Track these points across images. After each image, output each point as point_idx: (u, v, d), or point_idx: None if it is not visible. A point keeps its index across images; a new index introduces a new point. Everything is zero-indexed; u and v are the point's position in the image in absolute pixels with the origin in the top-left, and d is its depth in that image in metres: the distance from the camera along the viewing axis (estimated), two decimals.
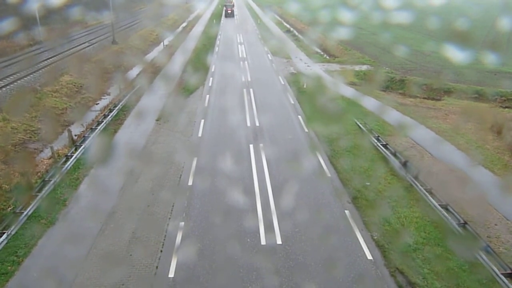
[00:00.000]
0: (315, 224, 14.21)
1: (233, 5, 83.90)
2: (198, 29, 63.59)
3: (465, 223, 13.38)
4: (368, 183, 16.93)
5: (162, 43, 49.30)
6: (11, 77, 30.50)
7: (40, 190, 15.33)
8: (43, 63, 35.59)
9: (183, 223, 14.12)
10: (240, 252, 12.62)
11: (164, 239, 13.29)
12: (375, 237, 13.56)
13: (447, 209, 14.30)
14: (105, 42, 47.77)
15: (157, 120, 24.05)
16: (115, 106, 25.15)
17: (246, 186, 16.49)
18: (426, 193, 15.39)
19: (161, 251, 12.78)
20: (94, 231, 13.70)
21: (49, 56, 37.71)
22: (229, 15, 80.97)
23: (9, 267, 11.99)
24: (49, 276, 11.84)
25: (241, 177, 17.28)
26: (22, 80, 30.38)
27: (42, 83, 29.31)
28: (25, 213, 13.92)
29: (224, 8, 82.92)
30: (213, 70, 37.22)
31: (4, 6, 40.62)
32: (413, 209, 15.21)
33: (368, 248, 12.96)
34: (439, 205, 14.56)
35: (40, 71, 33.04)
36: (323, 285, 11.44)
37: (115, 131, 22.57)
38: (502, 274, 11.22)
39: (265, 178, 17.19)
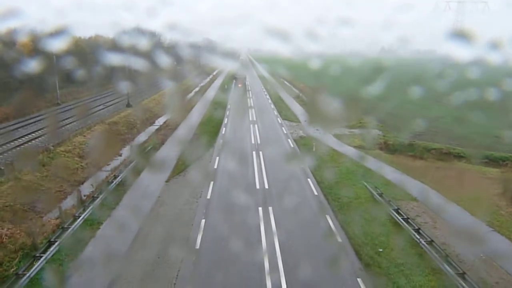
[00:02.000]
0: None
1: (245, 79, 77.82)
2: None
3: None
4: (381, 250, 16.41)
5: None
6: (26, 137, 31.31)
7: (44, 251, 15.05)
8: (58, 124, 36.63)
9: None
10: None
11: None
12: None
13: (464, 278, 13.66)
14: (120, 106, 49.35)
15: (166, 182, 24.12)
16: (126, 167, 25.37)
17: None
18: (442, 260, 14.80)
19: None
20: None
21: (65, 118, 38.90)
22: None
23: None
24: None
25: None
26: (36, 140, 31.14)
27: (55, 143, 29.95)
28: (27, 275, 13.57)
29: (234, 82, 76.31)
30: (223, 132, 37.90)
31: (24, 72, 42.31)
32: (428, 277, 14.58)
33: None
34: (455, 273, 13.95)
35: (55, 131, 33.90)
36: None
37: (125, 191, 22.55)
38: None
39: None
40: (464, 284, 13.35)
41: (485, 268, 15.16)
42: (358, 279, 14.44)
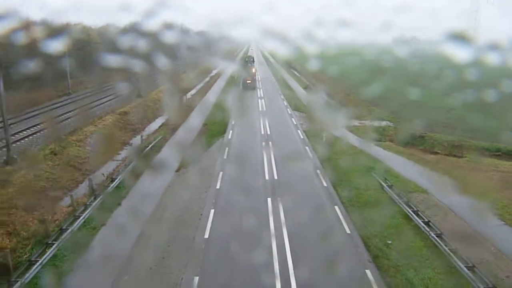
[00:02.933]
0: None
1: (254, 73, 62.00)
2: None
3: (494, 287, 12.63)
4: (390, 242, 16.37)
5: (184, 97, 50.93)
6: (37, 126, 31.66)
7: (56, 239, 15.31)
8: (69, 113, 36.97)
9: None
10: None
11: None
12: None
13: (473, 271, 13.59)
14: (129, 95, 49.52)
15: (176, 171, 24.29)
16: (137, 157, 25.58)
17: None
18: (451, 253, 14.72)
19: None
20: (109, 282, 13.44)
21: (76, 107, 39.23)
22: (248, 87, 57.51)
23: None
24: None
25: None
26: (47, 129, 31.45)
27: (67, 132, 30.25)
28: (40, 261, 13.83)
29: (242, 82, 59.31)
30: (233, 123, 37.95)
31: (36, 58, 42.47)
32: (437, 270, 14.53)
33: None
34: (465, 266, 13.87)
35: (66, 121, 34.24)
36: None
37: (135, 181, 22.74)
38: None
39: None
40: (473, 277, 13.29)
41: (495, 261, 15.06)
42: (366, 270, 14.45)
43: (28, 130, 30.59)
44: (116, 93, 50.28)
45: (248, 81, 58.24)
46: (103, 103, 43.81)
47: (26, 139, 28.85)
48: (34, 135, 29.80)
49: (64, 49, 44.23)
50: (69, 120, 34.68)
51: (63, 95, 45.79)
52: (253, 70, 62.38)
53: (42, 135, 30.08)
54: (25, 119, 33.50)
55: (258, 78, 65.94)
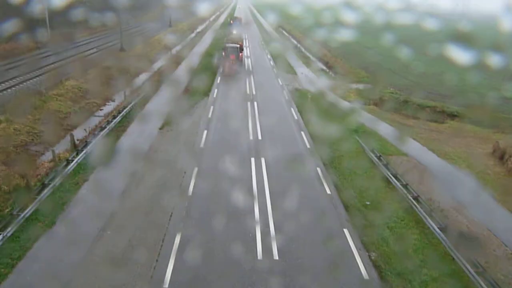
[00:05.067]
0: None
1: (241, 57, 43.22)
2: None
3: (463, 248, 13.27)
4: (368, 203, 16.87)
5: (170, 51, 49.83)
6: (16, 79, 30.72)
7: (39, 193, 15.26)
8: (49, 66, 35.87)
9: None
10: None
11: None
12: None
13: (445, 232, 14.21)
14: (113, 49, 48.19)
15: (160, 128, 24.15)
16: (119, 113, 25.22)
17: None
18: (426, 216, 15.30)
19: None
20: (91, 236, 13.64)
21: (55, 60, 38.03)
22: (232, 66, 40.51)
23: (2, 270, 11.90)
24: (44, 280, 11.72)
25: None
26: (27, 82, 30.61)
27: (47, 86, 29.48)
28: (22, 215, 13.84)
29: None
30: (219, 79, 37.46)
31: (7, 7, 40.48)
32: (412, 230, 15.15)
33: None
34: (438, 227, 14.49)
35: (46, 74, 33.28)
36: None
37: (118, 137, 22.60)
38: None
39: None
40: (444, 237, 13.92)
41: (467, 223, 15.75)
42: (344, 229, 14.95)
43: (6, 83, 29.69)
44: (99, 46, 48.89)
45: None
46: (85, 56, 42.55)
47: (5, 92, 28.04)
48: (13, 88, 28.97)
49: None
50: (49, 73, 33.70)
51: (39, 47, 44.11)
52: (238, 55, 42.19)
53: (22, 87, 29.28)
54: (3, 70, 32.45)
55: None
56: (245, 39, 63.49)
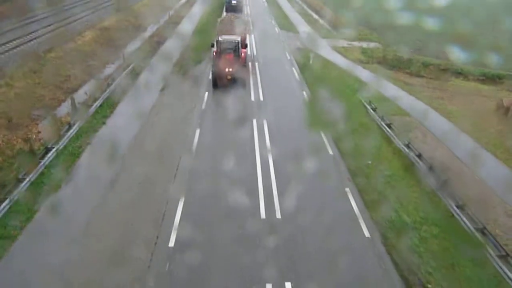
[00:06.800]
0: None
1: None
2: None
3: (464, 205, 13.47)
4: (370, 162, 16.96)
5: (168, 13, 48.56)
6: (14, 42, 30.17)
7: (43, 157, 15.42)
8: (46, 29, 35.09)
9: None
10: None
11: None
12: None
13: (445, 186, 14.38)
14: (110, 10, 46.97)
15: (161, 90, 23.98)
16: (119, 75, 24.92)
17: None
18: (426, 173, 15.42)
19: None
20: (95, 198, 13.88)
21: (52, 22, 37.17)
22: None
23: (12, 231, 12.20)
24: (51, 238, 12.05)
25: None
26: (25, 45, 30.06)
27: (45, 49, 28.99)
28: (27, 179, 14.03)
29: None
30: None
31: None
32: (412, 188, 15.32)
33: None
34: (438, 184, 14.63)
35: (43, 37, 32.62)
36: None
37: (118, 102, 22.45)
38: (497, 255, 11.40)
39: None
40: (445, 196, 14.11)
41: (465, 179, 15.88)
42: (346, 188, 15.13)
43: (3, 46, 29.18)
44: (95, 7, 47.69)
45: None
46: (82, 17, 41.53)
47: (2, 55, 27.62)
48: (10, 52, 28.49)
49: None
50: (46, 35, 33.03)
51: (38, 8, 42.98)
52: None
53: (19, 51, 28.80)
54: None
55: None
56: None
